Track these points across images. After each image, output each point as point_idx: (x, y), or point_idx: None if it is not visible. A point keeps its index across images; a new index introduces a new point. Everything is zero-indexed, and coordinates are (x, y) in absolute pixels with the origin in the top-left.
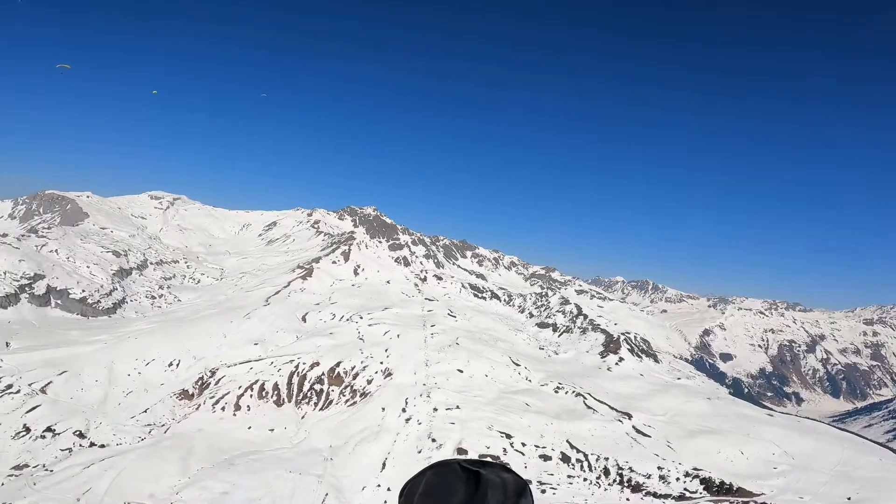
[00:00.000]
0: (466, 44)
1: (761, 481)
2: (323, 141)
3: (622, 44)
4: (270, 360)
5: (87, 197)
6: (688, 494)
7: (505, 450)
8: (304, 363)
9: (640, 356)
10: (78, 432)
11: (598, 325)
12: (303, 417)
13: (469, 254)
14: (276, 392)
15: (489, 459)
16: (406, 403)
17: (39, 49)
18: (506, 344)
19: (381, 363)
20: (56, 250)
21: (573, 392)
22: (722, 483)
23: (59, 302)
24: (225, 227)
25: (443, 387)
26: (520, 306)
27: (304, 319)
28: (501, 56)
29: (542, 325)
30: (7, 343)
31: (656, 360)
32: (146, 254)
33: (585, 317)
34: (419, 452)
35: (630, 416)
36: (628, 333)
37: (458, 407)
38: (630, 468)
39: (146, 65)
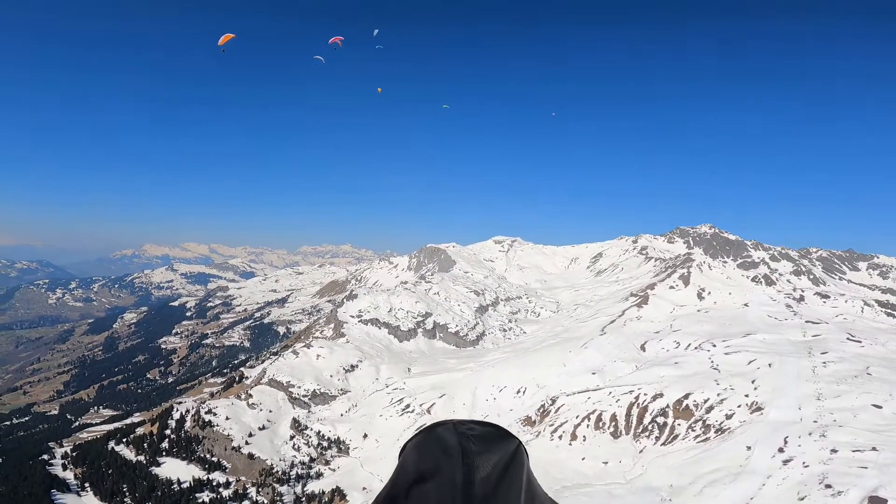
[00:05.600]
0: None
1: None
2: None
3: None
4: (608, 390)
5: (453, 247)
6: None
7: None
8: (644, 394)
9: None
10: None
11: None
12: (640, 452)
13: (863, 265)
14: (612, 423)
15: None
16: (784, 443)
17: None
18: None
19: (746, 396)
20: (438, 292)
21: None
22: None
23: (441, 335)
24: (555, 263)
25: (846, 425)
26: None
27: (642, 348)
28: None
29: None
30: (408, 369)
31: None
32: (496, 292)
33: None
34: (801, 500)
35: None
36: None
37: (873, 449)
38: None
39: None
